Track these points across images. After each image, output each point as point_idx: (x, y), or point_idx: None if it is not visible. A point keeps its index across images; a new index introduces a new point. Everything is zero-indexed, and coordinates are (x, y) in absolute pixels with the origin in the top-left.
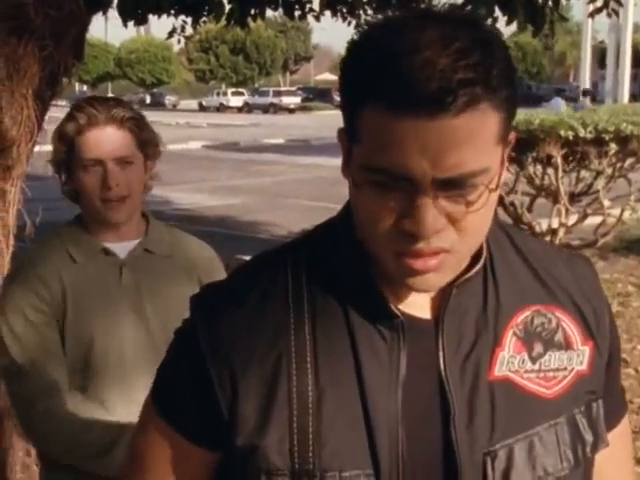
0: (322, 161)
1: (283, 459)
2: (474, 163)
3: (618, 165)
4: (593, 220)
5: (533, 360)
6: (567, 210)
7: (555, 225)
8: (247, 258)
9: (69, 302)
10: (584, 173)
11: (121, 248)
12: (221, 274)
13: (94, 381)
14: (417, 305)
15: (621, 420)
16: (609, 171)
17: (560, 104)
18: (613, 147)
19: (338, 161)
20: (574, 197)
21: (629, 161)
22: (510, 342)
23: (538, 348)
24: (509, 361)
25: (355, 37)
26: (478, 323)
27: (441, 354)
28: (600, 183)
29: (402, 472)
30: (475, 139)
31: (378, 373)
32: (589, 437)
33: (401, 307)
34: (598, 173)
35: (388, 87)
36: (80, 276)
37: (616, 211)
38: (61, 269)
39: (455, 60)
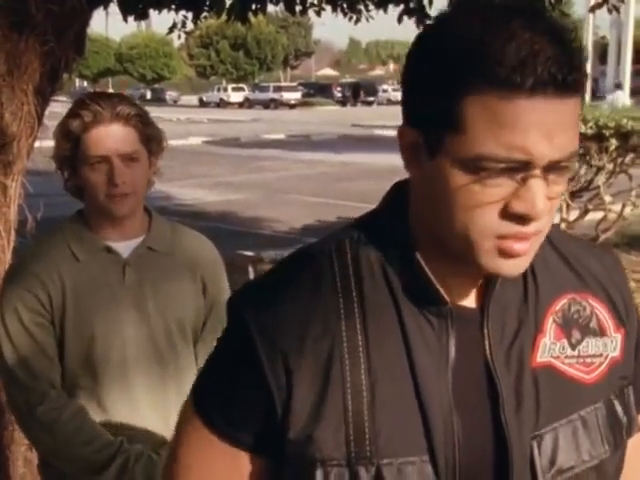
0: (323, 157)
1: (339, 448)
2: (575, 143)
3: (619, 160)
4: (594, 216)
5: (573, 346)
6: (568, 206)
7: (556, 220)
8: (249, 254)
9: (69, 300)
10: (585, 169)
11: (124, 247)
12: (224, 276)
13: (95, 380)
14: (462, 294)
15: None
16: (610, 167)
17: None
18: (614, 143)
19: (339, 157)
20: (575, 193)
21: (630, 156)
22: (550, 329)
23: (576, 335)
24: (551, 347)
25: (430, 28)
26: (520, 311)
27: (487, 342)
28: (601, 179)
29: (458, 458)
30: (575, 120)
31: (428, 359)
32: (625, 421)
33: (447, 296)
34: (599, 169)
35: (506, 71)
36: (82, 275)
37: (617, 207)
38: (61, 266)
39: (557, 46)
